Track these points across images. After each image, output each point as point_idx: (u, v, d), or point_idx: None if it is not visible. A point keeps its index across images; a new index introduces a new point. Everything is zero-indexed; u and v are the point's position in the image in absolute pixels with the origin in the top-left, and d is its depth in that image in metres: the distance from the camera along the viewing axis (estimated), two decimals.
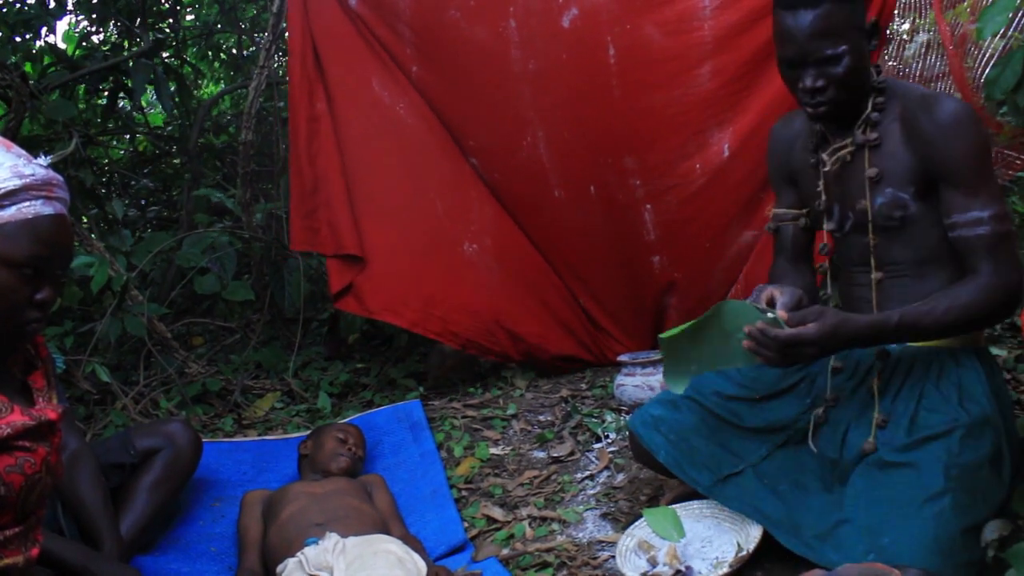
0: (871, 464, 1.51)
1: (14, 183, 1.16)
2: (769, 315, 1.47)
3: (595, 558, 1.76)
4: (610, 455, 2.24)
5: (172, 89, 4.04)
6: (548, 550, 1.81)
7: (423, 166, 2.88)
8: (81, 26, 4.48)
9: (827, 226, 1.72)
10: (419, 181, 2.87)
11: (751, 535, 1.60)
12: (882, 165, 1.57)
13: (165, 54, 4.41)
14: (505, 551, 1.84)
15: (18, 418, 1.18)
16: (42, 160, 1.23)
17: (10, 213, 1.16)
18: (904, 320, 1.48)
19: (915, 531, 1.35)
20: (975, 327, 1.54)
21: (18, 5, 3.80)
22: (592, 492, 2.08)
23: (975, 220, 1.47)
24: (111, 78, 3.89)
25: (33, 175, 1.18)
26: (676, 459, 1.72)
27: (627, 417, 2.45)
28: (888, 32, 2.38)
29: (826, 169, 1.65)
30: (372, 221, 2.83)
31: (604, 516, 1.95)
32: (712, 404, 1.76)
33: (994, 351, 2.44)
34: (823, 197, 1.69)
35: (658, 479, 1.99)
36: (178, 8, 4.67)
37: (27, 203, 1.17)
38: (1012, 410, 1.60)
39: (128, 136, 4.77)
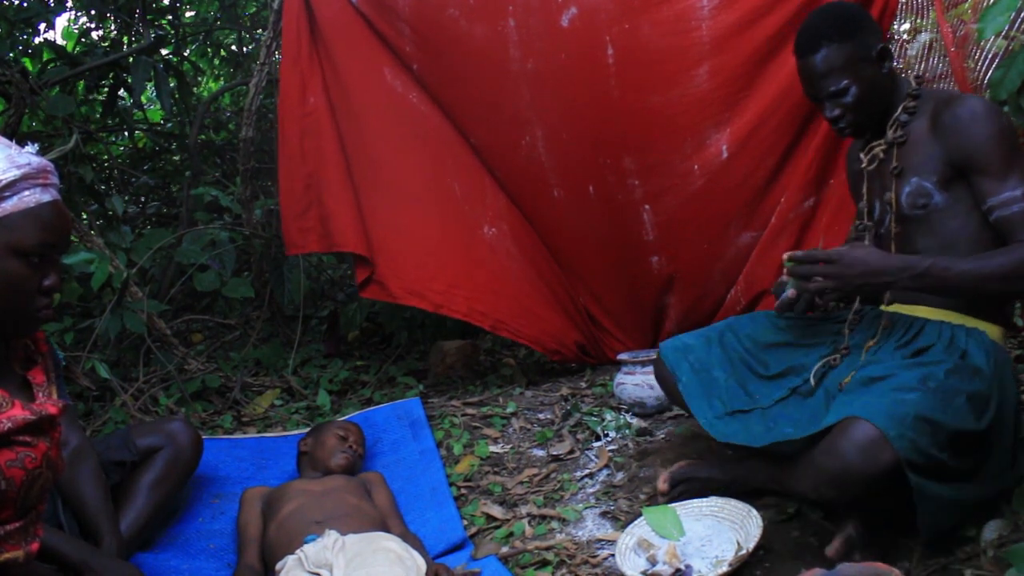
0: (856, 381, 1.61)
1: (13, 173, 1.16)
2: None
3: (594, 556, 1.76)
4: (610, 453, 2.24)
5: (172, 86, 4.04)
6: (547, 548, 1.81)
7: (438, 152, 2.87)
8: (80, 22, 4.47)
9: (868, 223, 1.82)
10: (436, 166, 2.87)
11: (751, 534, 1.60)
12: (909, 158, 1.69)
13: (165, 51, 4.40)
14: (504, 549, 1.84)
15: (19, 413, 1.18)
16: (30, 148, 1.23)
17: (12, 204, 1.17)
18: (939, 264, 1.54)
19: (875, 401, 1.47)
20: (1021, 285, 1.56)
21: (18, 1, 3.79)
22: (592, 490, 2.08)
23: (1010, 199, 1.55)
24: (111, 74, 3.88)
25: (29, 164, 1.19)
26: (693, 388, 1.83)
27: (626, 416, 2.46)
28: (888, 32, 2.38)
29: (863, 166, 1.80)
30: (389, 208, 2.81)
31: (604, 514, 1.95)
32: (744, 350, 1.88)
33: None
34: (864, 194, 1.82)
35: (659, 472, 1.99)
36: (178, 4, 4.66)
37: (27, 192, 1.18)
38: (1015, 396, 1.63)
39: (128, 132, 4.76)
